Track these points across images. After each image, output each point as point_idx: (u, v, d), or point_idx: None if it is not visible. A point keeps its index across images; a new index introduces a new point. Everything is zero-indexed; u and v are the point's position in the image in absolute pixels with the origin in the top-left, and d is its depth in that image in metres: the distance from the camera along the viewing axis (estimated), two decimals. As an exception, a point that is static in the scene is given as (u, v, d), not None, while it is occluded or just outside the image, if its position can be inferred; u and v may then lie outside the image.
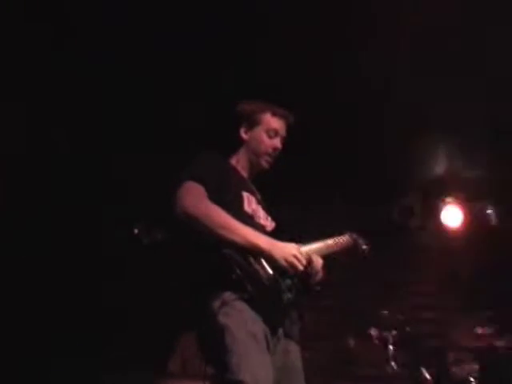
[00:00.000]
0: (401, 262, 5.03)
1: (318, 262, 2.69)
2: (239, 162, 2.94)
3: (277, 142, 2.92)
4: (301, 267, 2.53)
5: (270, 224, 2.81)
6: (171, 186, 2.52)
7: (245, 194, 2.75)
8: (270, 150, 2.91)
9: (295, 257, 2.54)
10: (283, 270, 2.51)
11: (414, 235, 5.04)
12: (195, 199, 2.51)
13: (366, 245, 2.98)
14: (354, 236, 3.01)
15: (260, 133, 2.91)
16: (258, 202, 2.84)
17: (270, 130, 2.91)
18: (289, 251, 2.54)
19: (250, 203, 2.76)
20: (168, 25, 3.53)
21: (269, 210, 2.92)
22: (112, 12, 3.32)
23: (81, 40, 3.51)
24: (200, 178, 2.59)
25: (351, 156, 4.54)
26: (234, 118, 2.96)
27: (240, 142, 2.96)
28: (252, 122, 2.92)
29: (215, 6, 3.28)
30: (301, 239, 2.71)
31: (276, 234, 2.65)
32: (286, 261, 2.51)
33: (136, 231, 4.69)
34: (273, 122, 2.93)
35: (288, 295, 2.47)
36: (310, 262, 2.59)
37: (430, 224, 5.08)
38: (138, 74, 3.76)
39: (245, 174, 2.94)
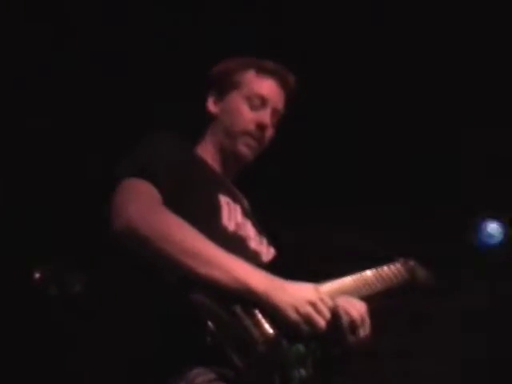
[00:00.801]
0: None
1: (357, 307, 1.93)
2: (208, 152, 2.19)
3: (264, 115, 2.15)
4: (322, 322, 1.79)
5: (266, 250, 2.10)
6: (97, 194, 1.97)
7: (223, 199, 2.03)
8: (252, 127, 2.13)
9: (313, 304, 1.79)
10: (293, 328, 1.78)
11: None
12: (144, 207, 1.82)
13: (429, 275, 2.30)
14: (411, 264, 2.24)
15: (236, 100, 2.17)
16: (245, 214, 2.12)
17: (252, 97, 2.15)
18: (302, 296, 1.80)
19: (233, 214, 2.03)
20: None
21: (264, 228, 2.19)
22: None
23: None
24: (150, 173, 1.91)
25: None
26: (201, 87, 2.26)
27: (206, 121, 2.22)
28: (225, 86, 2.20)
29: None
30: (323, 275, 1.97)
31: (278, 268, 1.90)
32: (298, 312, 1.77)
33: (37, 276, 3.69)
34: (258, 83, 2.18)
35: (301, 372, 1.80)
36: (337, 311, 1.87)
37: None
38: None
39: (220, 168, 2.20)
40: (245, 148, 2.14)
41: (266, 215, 2.27)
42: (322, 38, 3.49)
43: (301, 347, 1.85)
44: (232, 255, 1.82)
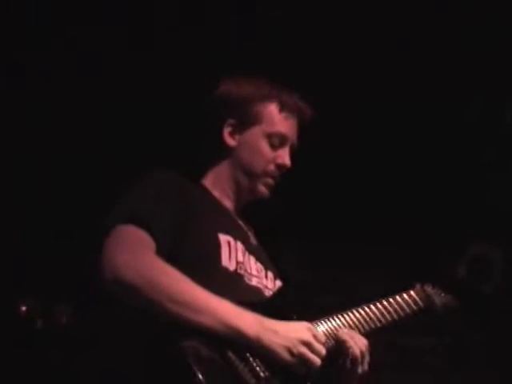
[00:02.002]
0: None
1: (358, 344, 1.89)
2: (218, 184, 2.11)
3: (284, 155, 2.10)
4: (318, 361, 1.75)
5: (271, 285, 2.04)
6: (91, 233, 1.87)
7: (223, 238, 1.96)
8: (272, 168, 2.09)
9: (307, 344, 1.75)
10: (288, 369, 1.74)
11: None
12: (133, 257, 1.76)
13: (450, 300, 2.22)
14: (428, 290, 2.18)
15: (257, 137, 2.08)
16: (249, 250, 2.03)
17: (274, 135, 2.07)
18: (295, 336, 1.76)
19: (233, 253, 1.95)
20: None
21: (271, 260, 2.11)
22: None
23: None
24: (144, 220, 1.84)
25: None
26: (212, 109, 2.13)
27: (220, 152, 2.11)
28: (244, 118, 2.08)
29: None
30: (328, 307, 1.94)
31: (282, 301, 1.89)
32: (292, 353, 1.73)
33: (23, 309, 3.55)
34: (281, 121, 2.09)
35: None
36: (334, 349, 1.84)
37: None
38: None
39: (227, 201, 2.13)
40: (264, 188, 2.09)
41: (271, 248, 2.20)
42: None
43: None
44: (222, 299, 1.76)
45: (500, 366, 4.00)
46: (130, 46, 3.29)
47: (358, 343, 1.90)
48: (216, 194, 2.09)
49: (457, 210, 3.89)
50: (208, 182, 2.11)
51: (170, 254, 1.82)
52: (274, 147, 2.08)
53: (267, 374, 1.73)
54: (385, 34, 3.23)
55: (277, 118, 2.08)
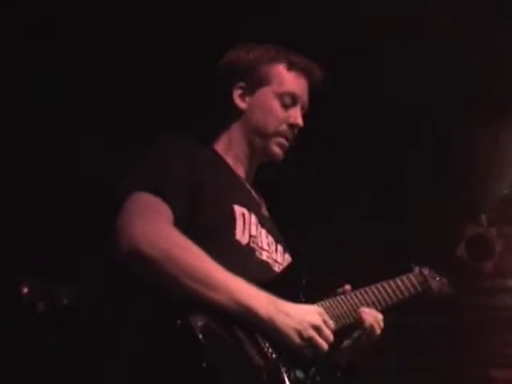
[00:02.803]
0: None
1: (377, 319, 1.97)
2: (231, 149, 2.10)
3: (296, 115, 2.11)
4: (325, 346, 1.77)
5: (281, 258, 2.05)
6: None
7: (238, 210, 1.94)
8: (285, 127, 2.10)
9: (316, 328, 1.77)
10: (296, 351, 1.75)
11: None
12: (150, 228, 1.73)
13: (446, 284, 2.28)
14: (426, 273, 2.20)
15: (268, 97, 2.09)
16: (261, 223, 2.02)
17: (284, 94, 2.09)
18: (305, 319, 1.77)
19: (247, 226, 1.95)
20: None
21: (283, 234, 2.12)
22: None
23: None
24: (161, 189, 1.80)
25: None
26: (221, 74, 2.13)
27: (232, 115, 2.11)
28: (254, 80, 2.10)
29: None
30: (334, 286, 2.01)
31: (290, 279, 1.90)
32: (301, 336, 1.75)
33: (25, 291, 3.55)
34: (289, 79, 2.11)
35: None
36: (350, 325, 1.92)
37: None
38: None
39: (241, 168, 2.12)
40: (278, 148, 2.09)
41: (282, 221, 2.18)
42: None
43: (300, 373, 1.82)
44: (237, 278, 1.75)
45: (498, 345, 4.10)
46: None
47: (378, 321, 1.98)
48: (229, 160, 2.08)
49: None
50: (220, 147, 2.10)
51: (186, 223, 1.80)
52: (285, 107, 2.09)
53: (275, 355, 1.74)
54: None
55: (286, 77, 2.10)
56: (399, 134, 3.64)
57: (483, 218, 2.98)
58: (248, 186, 2.10)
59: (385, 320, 2.02)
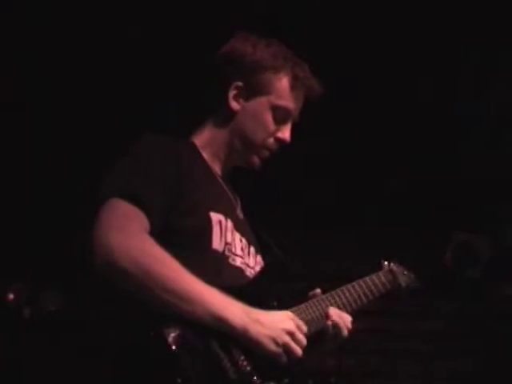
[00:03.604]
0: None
1: (345, 323, 1.97)
2: (210, 146, 2.04)
3: (286, 131, 2.06)
4: (299, 351, 1.78)
5: (253, 262, 2.02)
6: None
7: (215, 218, 1.91)
8: (272, 141, 2.04)
9: (290, 334, 1.77)
10: (271, 359, 1.74)
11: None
12: (127, 238, 1.70)
13: (412, 279, 2.26)
14: (394, 270, 2.20)
15: (263, 108, 2.01)
16: (236, 227, 1.99)
17: (279, 108, 2.02)
18: (279, 326, 1.77)
19: (223, 233, 1.92)
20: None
21: (254, 233, 2.09)
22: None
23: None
24: (138, 197, 1.76)
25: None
26: (221, 65, 2.03)
27: (220, 113, 2.04)
28: (254, 85, 2.01)
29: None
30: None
31: (262, 283, 1.90)
32: (277, 343, 1.75)
33: (11, 297, 3.54)
34: (290, 96, 2.03)
35: None
36: (320, 330, 1.92)
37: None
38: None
39: (217, 165, 2.07)
40: (258, 160, 2.06)
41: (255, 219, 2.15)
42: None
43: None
44: (211, 289, 1.75)
45: (487, 352, 4.06)
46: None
47: (345, 322, 1.97)
48: (206, 155, 2.03)
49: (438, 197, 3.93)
50: (200, 140, 2.05)
51: (162, 230, 1.78)
52: (276, 121, 2.02)
53: (249, 368, 1.73)
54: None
55: (286, 92, 2.02)
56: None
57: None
58: (224, 186, 2.05)
59: (375, 324, 2.05)
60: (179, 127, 2.01)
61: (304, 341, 1.80)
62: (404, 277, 2.24)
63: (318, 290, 2.02)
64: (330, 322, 1.94)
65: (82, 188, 3.25)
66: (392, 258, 2.25)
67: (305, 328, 1.83)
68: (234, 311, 1.73)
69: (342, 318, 1.97)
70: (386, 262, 2.21)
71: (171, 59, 3.22)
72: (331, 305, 2.00)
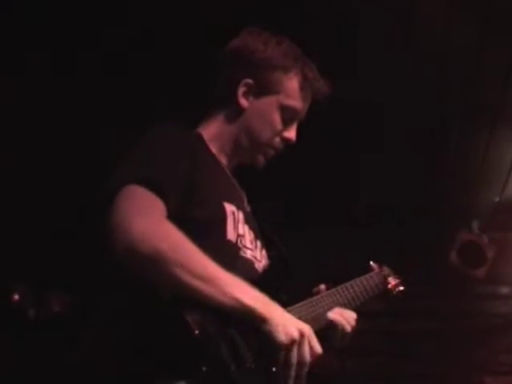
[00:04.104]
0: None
1: (349, 321, 1.99)
2: (217, 140, 2.03)
3: (292, 131, 2.07)
4: (307, 357, 1.73)
5: (260, 255, 2.01)
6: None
7: (229, 208, 1.90)
8: (278, 141, 2.05)
9: (301, 335, 1.74)
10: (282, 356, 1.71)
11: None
12: (149, 225, 1.67)
13: (401, 282, 2.30)
14: (385, 272, 2.26)
15: (272, 107, 2.02)
16: (246, 219, 1.98)
17: (288, 109, 2.02)
18: (295, 322, 1.76)
19: (236, 224, 1.92)
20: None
21: (259, 227, 2.07)
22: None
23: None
24: (155, 183, 1.73)
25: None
26: (231, 61, 2.02)
27: (229, 107, 2.02)
28: (264, 83, 2.00)
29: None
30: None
31: (269, 279, 1.92)
32: (287, 334, 1.72)
33: (16, 297, 3.56)
34: (299, 96, 2.04)
35: None
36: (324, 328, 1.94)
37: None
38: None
39: (224, 159, 2.05)
40: (263, 158, 2.08)
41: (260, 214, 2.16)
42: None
43: None
44: (235, 276, 1.75)
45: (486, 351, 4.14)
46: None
47: (349, 319, 2.00)
48: (213, 148, 2.04)
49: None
50: (206, 133, 2.05)
51: (178, 219, 1.76)
52: (285, 121, 2.04)
53: (265, 359, 1.74)
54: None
55: (296, 93, 2.03)
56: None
57: (474, 224, 3.04)
58: (231, 178, 2.07)
59: (375, 325, 2.07)
60: (185, 119, 1.99)
61: (319, 349, 1.78)
62: (393, 280, 2.27)
63: (323, 286, 2.05)
64: (338, 325, 1.97)
65: (85, 187, 3.31)
66: (381, 260, 2.29)
67: (316, 345, 1.78)
68: (256, 298, 1.74)
69: (345, 316, 2.00)
70: (375, 265, 2.25)
71: (178, 50, 3.18)
72: (334, 303, 2.02)
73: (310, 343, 1.76)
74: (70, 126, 3.56)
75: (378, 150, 3.80)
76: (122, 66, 3.27)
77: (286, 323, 1.74)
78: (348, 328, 2.00)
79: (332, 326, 1.99)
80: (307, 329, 1.77)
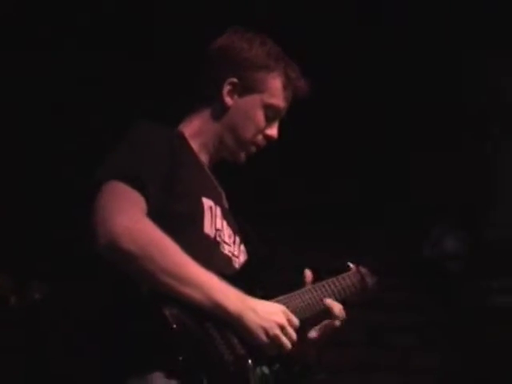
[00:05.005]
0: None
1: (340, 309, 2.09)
2: (199, 137, 2.11)
3: (274, 128, 2.17)
4: (289, 345, 1.87)
5: (238, 251, 2.10)
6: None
7: (206, 203, 2.00)
8: (260, 138, 2.15)
9: (282, 327, 1.85)
10: (261, 349, 1.84)
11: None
12: (130, 221, 1.77)
13: (377, 283, 2.34)
14: (363, 272, 2.28)
15: (255, 105, 2.11)
16: (223, 214, 2.08)
17: (271, 107, 2.12)
18: (272, 318, 1.85)
19: (213, 219, 2.01)
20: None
21: (238, 223, 2.16)
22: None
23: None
24: (136, 180, 1.83)
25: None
26: (216, 60, 2.12)
27: (212, 106, 2.12)
28: (248, 82, 2.10)
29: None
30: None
31: (247, 273, 1.99)
32: (267, 335, 1.83)
33: None
34: (282, 95, 2.13)
35: None
36: (315, 316, 2.04)
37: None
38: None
39: (204, 156, 2.14)
40: (244, 156, 2.15)
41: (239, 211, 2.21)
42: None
43: (265, 369, 1.92)
44: (209, 273, 1.83)
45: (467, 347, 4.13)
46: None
47: (341, 309, 2.09)
48: (194, 145, 2.10)
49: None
50: (188, 130, 2.11)
51: (157, 213, 1.84)
52: (268, 118, 2.12)
53: (243, 351, 1.82)
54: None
55: (279, 92, 2.12)
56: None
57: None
58: (211, 175, 2.14)
59: (357, 317, 2.14)
60: (166, 116, 2.05)
61: (294, 335, 1.89)
62: (370, 279, 2.31)
63: (308, 272, 2.12)
64: (335, 312, 2.05)
65: (66, 177, 3.34)
66: (358, 259, 2.32)
67: (297, 321, 1.91)
68: (231, 297, 1.82)
69: (339, 307, 2.08)
70: (352, 264, 2.29)
71: (164, 48, 3.28)
72: (323, 294, 2.09)
73: (287, 332, 1.85)
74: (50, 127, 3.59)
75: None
76: (109, 64, 3.32)
77: (263, 324, 1.82)
78: (343, 315, 2.08)
79: (328, 313, 2.06)
80: (283, 318, 1.86)
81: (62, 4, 3.16)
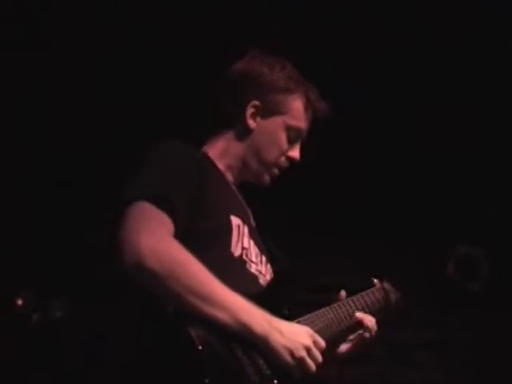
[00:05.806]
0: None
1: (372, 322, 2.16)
2: (224, 158, 2.16)
3: (296, 150, 2.23)
4: (313, 367, 1.87)
5: (265, 270, 2.13)
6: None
7: (235, 221, 2.03)
8: (283, 160, 2.21)
9: (307, 349, 1.86)
10: (286, 370, 1.84)
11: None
12: (156, 242, 1.78)
13: (400, 298, 2.38)
14: (386, 288, 2.34)
15: (278, 127, 2.18)
16: (250, 233, 2.10)
17: (293, 129, 2.19)
18: (298, 340, 1.86)
19: (240, 238, 2.04)
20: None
21: (264, 242, 2.19)
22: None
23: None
24: (163, 201, 1.84)
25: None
26: (238, 83, 2.18)
27: (236, 129, 2.18)
28: (271, 105, 2.17)
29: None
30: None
31: (273, 293, 1.99)
32: (293, 356, 1.84)
33: (19, 302, 3.56)
34: (303, 118, 2.21)
35: None
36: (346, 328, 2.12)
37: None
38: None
39: (230, 176, 2.20)
40: (269, 178, 2.22)
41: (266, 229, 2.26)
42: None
43: None
44: (235, 294, 1.85)
45: (482, 364, 4.15)
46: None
47: (372, 321, 2.16)
48: (220, 166, 2.16)
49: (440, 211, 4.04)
50: (213, 152, 2.17)
51: (185, 233, 1.87)
52: (290, 140, 2.20)
53: (269, 372, 1.83)
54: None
55: (301, 114, 2.20)
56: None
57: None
58: (238, 194, 2.19)
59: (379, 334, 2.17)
60: (190, 137, 2.10)
61: (319, 357, 1.91)
62: (394, 295, 2.34)
63: (343, 293, 2.19)
64: (367, 324, 2.12)
65: (90, 194, 3.38)
66: (382, 275, 2.37)
67: (322, 343, 1.93)
68: (257, 318, 1.84)
69: (371, 319, 2.15)
70: (376, 280, 2.34)
71: (184, 69, 3.34)
72: (351, 309, 2.16)
73: (313, 354, 1.87)
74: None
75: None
76: (129, 83, 3.37)
77: (289, 345, 1.84)
78: (375, 328, 2.15)
79: (359, 326, 2.13)
80: (309, 340, 1.88)
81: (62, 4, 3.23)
